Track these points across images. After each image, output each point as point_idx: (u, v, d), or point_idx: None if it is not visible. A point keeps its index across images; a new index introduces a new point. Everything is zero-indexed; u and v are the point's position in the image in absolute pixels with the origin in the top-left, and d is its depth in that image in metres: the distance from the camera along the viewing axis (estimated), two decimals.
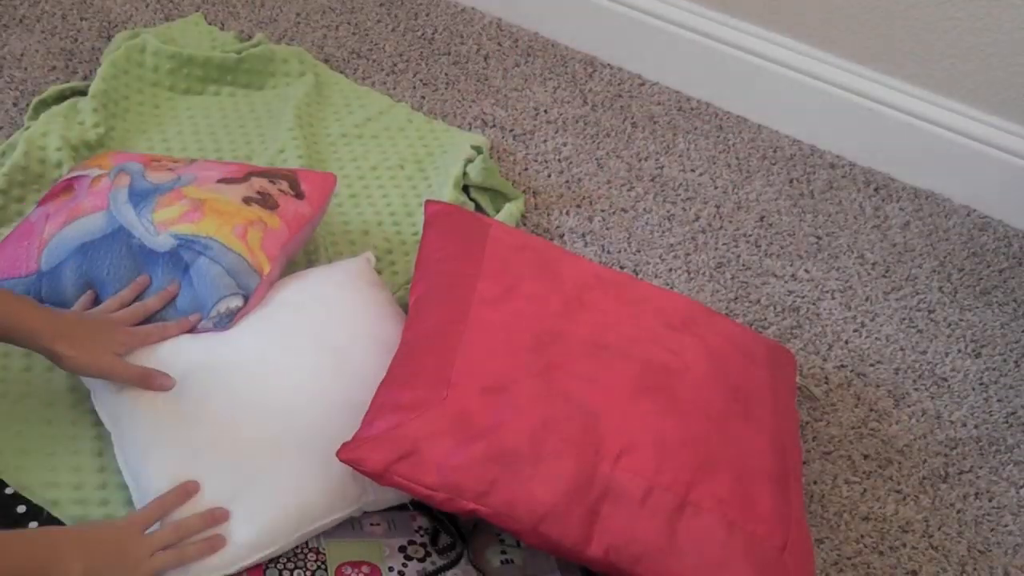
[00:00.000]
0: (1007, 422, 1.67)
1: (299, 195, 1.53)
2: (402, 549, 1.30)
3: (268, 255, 1.44)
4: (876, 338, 1.76)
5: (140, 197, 1.44)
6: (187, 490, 1.23)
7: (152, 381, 1.30)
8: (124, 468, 1.29)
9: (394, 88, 2.05)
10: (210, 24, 2.12)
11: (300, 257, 1.63)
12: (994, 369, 1.75)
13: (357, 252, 1.67)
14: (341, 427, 1.29)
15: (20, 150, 1.68)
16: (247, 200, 1.48)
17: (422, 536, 1.32)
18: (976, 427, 1.66)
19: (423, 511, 1.34)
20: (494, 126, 2.01)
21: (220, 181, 1.50)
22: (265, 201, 1.49)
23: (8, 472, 1.31)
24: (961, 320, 1.82)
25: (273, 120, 1.89)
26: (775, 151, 2.08)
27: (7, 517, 1.26)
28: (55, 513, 1.28)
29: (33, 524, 1.26)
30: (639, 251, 1.82)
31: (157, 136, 1.83)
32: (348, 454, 1.23)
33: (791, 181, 2.02)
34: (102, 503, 1.30)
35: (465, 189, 1.82)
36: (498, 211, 1.80)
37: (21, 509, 1.28)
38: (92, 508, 1.29)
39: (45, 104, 1.82)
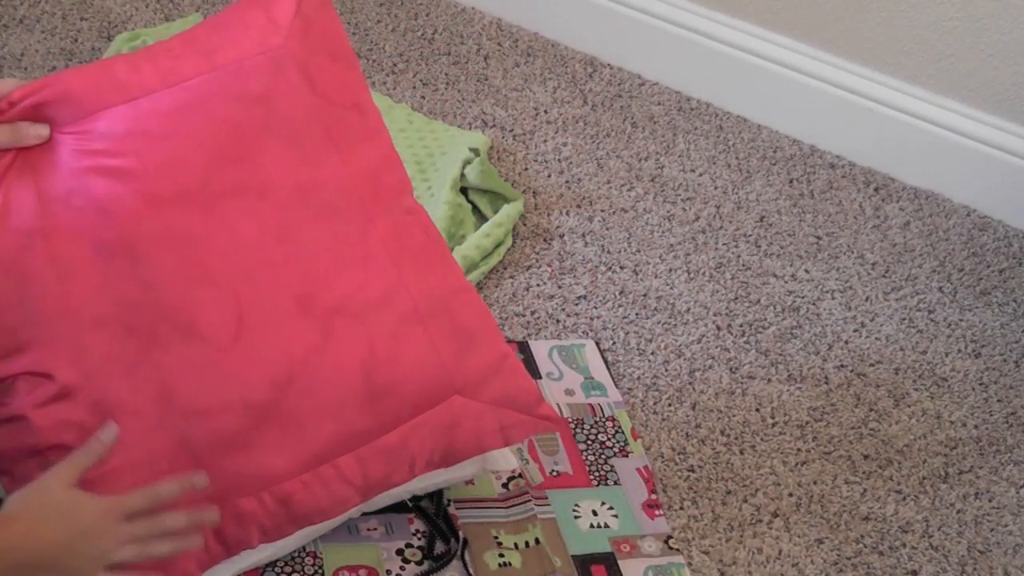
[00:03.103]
0: (1007, 422, 1.67)
1: None
2: (399, 552, 1.30)
3: None
4: (876, 338, 1.76)
5: None
6: (192, 483, 1.05)
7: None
8: None
9: (394, 88, 2.05)
10: None
11: None
12: (994, 369, 1.75)
13: None
14: None
15: None
16: None
17: (420, 539, 1.32)
18: (976, 427, 1.66)
19: (420, 514, 1.34)
20: (494, 126, 2.01)
21: None
22: None
23: None
24: (961, 320, 1.82)
25: None
26: (775, 151, 2.08)
27: None
28: None
29: None
30: (639, 251, 1.82)
31: None
32: None
33: (791, 181, 2.02)
34: None
35: (464, 191, 1.82)
36: (497, 212, 1.79)
37: None
38: None
39: None
